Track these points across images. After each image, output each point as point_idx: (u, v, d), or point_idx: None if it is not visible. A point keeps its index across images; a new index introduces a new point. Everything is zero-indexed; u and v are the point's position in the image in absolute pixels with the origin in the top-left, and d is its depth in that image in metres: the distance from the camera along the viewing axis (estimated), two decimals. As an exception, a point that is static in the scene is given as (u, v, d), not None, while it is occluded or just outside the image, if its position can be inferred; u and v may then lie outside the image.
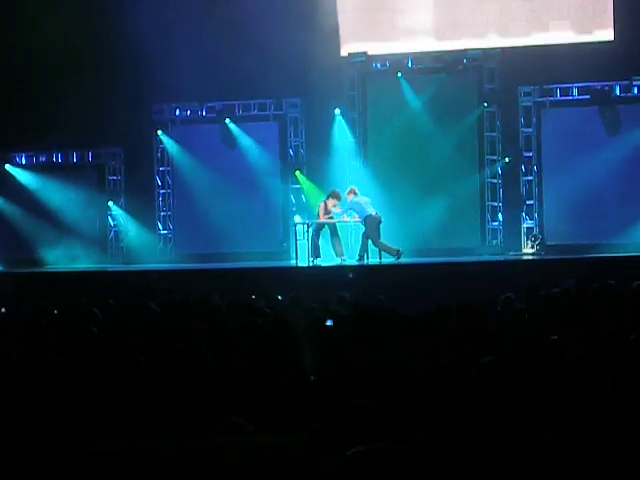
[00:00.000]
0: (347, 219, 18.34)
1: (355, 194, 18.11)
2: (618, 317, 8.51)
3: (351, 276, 15.82)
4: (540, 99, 20.13)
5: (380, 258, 17.84)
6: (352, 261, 17.88)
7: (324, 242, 18.50)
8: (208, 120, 21.41)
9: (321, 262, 17.94)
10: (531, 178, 20.22)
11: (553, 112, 20.18)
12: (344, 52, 20.45)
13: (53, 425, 5.10)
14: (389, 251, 17.78)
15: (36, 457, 4.63)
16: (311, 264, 17.67)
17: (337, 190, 18.58)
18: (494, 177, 20.36)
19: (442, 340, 7.47)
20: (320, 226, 18.33)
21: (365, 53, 20.34)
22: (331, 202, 18.28)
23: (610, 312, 8.93)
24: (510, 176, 20.29)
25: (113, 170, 21.96)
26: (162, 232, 21.71)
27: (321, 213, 18.29)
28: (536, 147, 20.22)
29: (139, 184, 21.58)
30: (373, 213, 17.88)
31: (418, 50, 20.26)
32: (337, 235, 18.38)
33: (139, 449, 3.35)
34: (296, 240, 18.31)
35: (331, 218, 18.26)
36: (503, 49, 19.88)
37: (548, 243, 19.86)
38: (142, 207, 21.43)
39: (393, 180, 20.27)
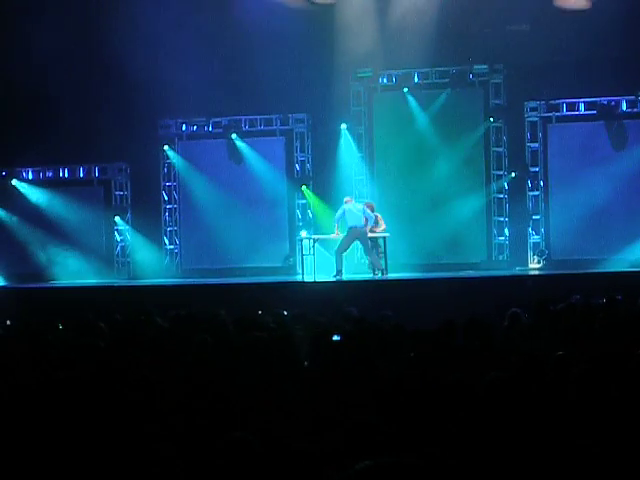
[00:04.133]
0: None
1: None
2: (624, 332, 8.48)
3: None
4: (546, 114, 20.16)
5: (374, 273, 17.59)
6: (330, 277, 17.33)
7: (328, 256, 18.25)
8: (214, 135, 21.46)
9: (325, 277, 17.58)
10: (537, 193, 20.22)
11: (559, 127, 20.19)
12: (350, 67, 20.44)
13: (59, 439, 5.09)
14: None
15: (42, 470, 4.64)
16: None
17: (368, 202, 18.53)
18: (500, 192, 20.36)
19: (449, 355, 7.45)
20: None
21: (371, 68, 20.38)
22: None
23: (616, 327, 8.89)
24: (516, 191, 20.28)
25: (119, 185, 22.00)
26: (168, 247, 21.74)
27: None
28: (542, 162, 20.22)
29: (145, 199, 21.63)
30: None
31: (424, 65, 20.26)
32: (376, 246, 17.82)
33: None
34: (302, 255, 18.19)
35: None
36: (509, 64, 19.90)
37: (554, 258, 19.83)
38: (148, 222, 21.46)
39: (399, 195, 20.29)
